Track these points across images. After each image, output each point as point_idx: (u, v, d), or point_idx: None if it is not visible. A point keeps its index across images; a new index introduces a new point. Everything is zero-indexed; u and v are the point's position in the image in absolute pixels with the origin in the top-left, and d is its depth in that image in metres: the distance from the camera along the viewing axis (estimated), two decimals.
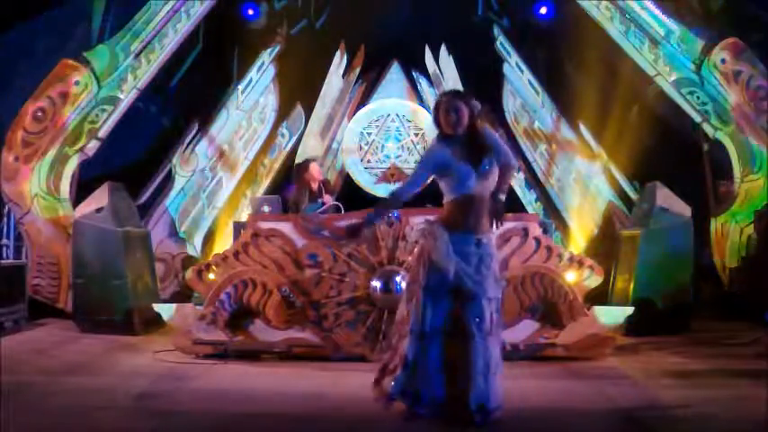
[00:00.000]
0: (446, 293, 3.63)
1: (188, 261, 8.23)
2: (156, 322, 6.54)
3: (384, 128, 8.94)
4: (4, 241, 7.82)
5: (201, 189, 8.74)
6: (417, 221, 5.22)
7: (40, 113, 7.78)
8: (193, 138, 8.70)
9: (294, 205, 7.14)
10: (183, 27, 8.25)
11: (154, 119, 8.96)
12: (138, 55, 8.09)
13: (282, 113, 9.06)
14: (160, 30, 8.16)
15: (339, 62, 8.95)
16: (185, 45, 8.44)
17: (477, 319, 3.61)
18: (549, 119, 8.81)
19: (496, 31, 8.98)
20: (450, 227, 3.66)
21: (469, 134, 3.70)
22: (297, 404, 4.23)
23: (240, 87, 8.88)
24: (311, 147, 8.84)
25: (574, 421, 3.95)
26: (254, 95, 8.96)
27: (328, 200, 7.05)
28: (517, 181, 9.00)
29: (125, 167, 8.05)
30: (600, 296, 6.60)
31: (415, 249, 3.84)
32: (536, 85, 8.86)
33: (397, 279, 5.45)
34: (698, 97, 7.94)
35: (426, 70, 8.94)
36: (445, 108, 3.70)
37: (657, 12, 8.09)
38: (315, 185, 7.22)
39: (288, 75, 8.93)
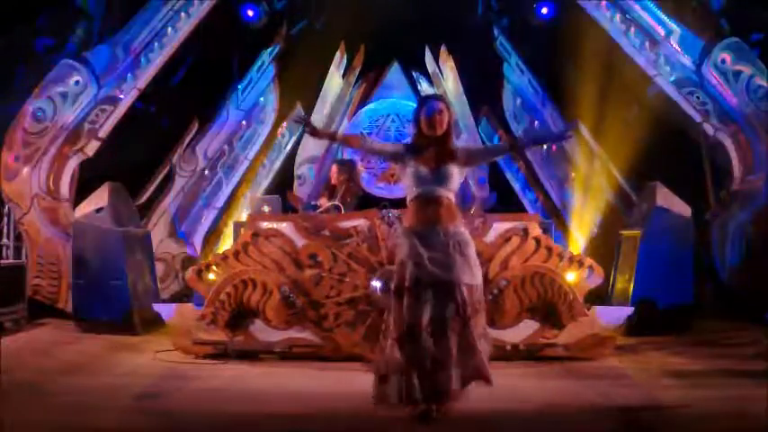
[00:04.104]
0: (425, 290, 3.68)
1: (188, 261, 8.23)
2: (156, 322, 6.53)
3: (384, 128, 8.94)
4: (4, 241, 7.81)
5: (201, 189, 8.74)
6: None
7: (40, 113, 7.78)
8: (193, 138, 8.69)
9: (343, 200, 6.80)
10: (183, 27, 8.24)
11: (154, 119, 8.96)
12: (138, 55, 8.09)
13: (282, 113, 9.06)
14: (160, 30, 8.15)
15: (339, 62, 8.94)
16: (185, 45, 8.44)
17: (456, 307, 3.68)
18: (548, 119, 8.81)
19: (496, 31, 8.98)
20: (413, 223, 3.80)
21: (443, 137, 3.86)
22: (297, 404, 4.22)
23: (240, 87, 8.88)
24: (311, 147, 8.83)
25: (573, 421, 3.95)
26: (254, 95, 8.96)
27: (323, 202, 6.99)
28: (517, 181, 9.00)
29: (125, 167, 8.03)
30: (600, 296, 6.60)
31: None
32: (536, 85, 8.86)
33: None
34: (698, 97, 7.92)
35: (426, 70, 8.94)
36: (429, 108, 3.84)
37: (657, 12, 8.09)
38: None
39: (288, 75, 8.93)
